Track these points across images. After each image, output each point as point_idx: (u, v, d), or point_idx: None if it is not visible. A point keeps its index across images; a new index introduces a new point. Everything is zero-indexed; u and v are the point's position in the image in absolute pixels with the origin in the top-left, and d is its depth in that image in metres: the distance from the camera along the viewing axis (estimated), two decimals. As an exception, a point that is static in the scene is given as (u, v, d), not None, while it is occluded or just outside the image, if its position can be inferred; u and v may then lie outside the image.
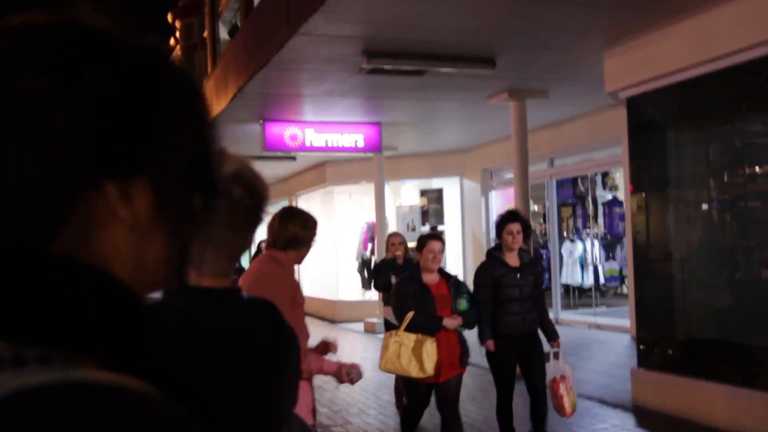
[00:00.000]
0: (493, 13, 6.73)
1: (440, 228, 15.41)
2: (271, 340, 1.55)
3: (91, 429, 0.53)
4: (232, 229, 1.54)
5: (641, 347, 7.68)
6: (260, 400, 1.49)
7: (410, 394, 5.82)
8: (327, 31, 7.04)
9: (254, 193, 1.58)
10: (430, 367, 5.25)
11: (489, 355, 5.76)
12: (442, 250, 5.50)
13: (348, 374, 3.77)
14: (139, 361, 0.65)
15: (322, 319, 17.14)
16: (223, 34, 16.51)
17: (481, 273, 5.87)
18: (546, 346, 5.88)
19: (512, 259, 5.78)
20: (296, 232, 3.70)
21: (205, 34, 16.71)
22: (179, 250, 0.77)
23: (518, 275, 5.73)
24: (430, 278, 5.48)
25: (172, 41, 22.93)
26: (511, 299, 5.68)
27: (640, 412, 7.19)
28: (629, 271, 9.65)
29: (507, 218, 5.86)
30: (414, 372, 5.28)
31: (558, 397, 5.66)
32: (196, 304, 1.51)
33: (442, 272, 5.60)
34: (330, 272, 17.64)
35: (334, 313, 16.37)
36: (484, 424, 7.03)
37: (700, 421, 6.67)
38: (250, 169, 1.60)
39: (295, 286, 3.70)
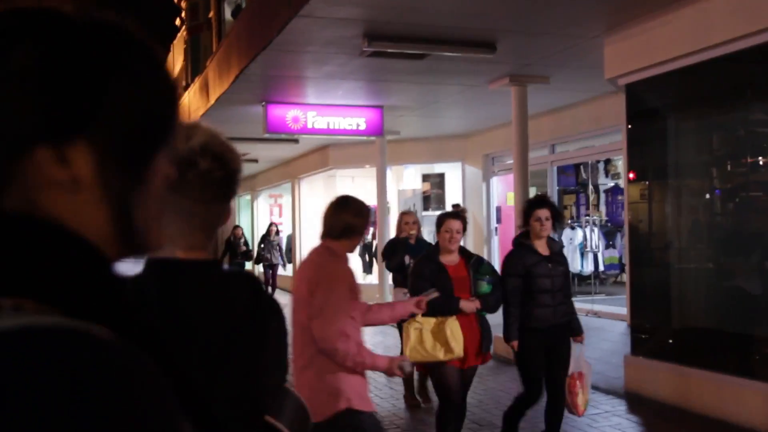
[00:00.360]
0: (492, -2, 6.73)
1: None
2: (250, 311, 1.54)
3: (57, 365, 0.60)
4: (202, 202, 1.53)
5: (635, 335, 7.72)
6: (238, 371, 1.48)
7: (439, 392, 5.27)
8: (327, 13, 7.05)
9: (225, 165, 1.56)
10: (457, 347, 4.89)
11: (518, 351, 5.41)
12: (462, 230, 5.17)
13: (400, 368, 3.75)
14: (105, 311, 0.71)
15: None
16: (228, 14, 16.48)
17: (511, 261, 5.46)
18: None
19: (542, 248, 5.41)
20: (350, 221, 3.69)
21: (211, 14, 16.66)
22: (123, 214, 0.79)
23: (549, 265, 5.37)
24: (449, 259, 5.18)
25: (177, 22, 22.89)
26: (542, 290, 5.31)
27: (632, 399, 7.25)
28: (627, 259, 9.67)
29: (534, 203, 5.51)
30: (441, 355, 4.93)
31: (573, 395, 5.42)
32: (172, 275, 1.51)
33: (463, 252, 5.31)
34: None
35: (334, 296, 16.42)
36: (477, 408, 7.08)
37: (689, 407, 6.72)
38: (220, 141, 1.58)
39: (351, 277, 3.69)
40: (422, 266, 5.19)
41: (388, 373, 3.78)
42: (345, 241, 3.71)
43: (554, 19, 7.26)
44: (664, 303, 7.51)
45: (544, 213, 5.35)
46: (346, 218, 3.69)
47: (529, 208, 5.49)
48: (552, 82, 9.73)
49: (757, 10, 6.08)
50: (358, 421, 3.64)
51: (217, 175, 1.54)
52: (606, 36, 7.73)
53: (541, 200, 5.57)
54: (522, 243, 5.48)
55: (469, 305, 5.02)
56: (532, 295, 5.31)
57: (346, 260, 3.74)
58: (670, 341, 7.40)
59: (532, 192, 13.49)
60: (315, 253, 3.82)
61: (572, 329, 5.54)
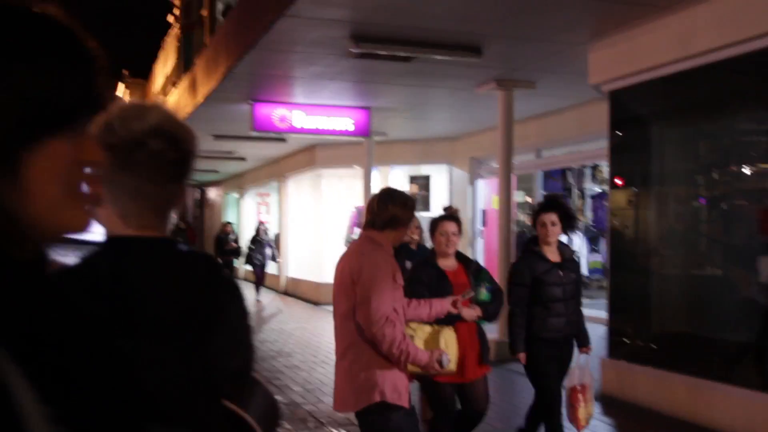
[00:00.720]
0: (479, 1, 6.78)
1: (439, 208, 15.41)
2: (205, 291, 1.51)
3: None
4: (155, 183, 1.50)
5: (613, 338, 7.79)
6: (191, 350, 1.44)
7: (434, 404, 5.02)
8: (314, 13, 7.09)
9: (179, 146, 1.52)
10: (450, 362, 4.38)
11: (529, 362, 5.10)
12: (458, 232, 4.93)
13: (439, 362, 3.79)
14: None
15: (306, 301, 17.25)
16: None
17: (518, 270, 5.17)
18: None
19: (552, 254, 5.12)
20: (396, 213, 3.75)
21: (204, 12, 16.66)
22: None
23: (560, 272, 5.08)
24: (447, 264, 4.93)
25: (171, 19, 22.87)
26: (555, 299, 5.03)
27: (608, 401, 7.31)
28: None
29: (541, 207, 5.23)
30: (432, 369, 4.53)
31: (574, 408, 5.15)
32: (123, 251, 1.48)
33: (461, 257, 5.06)
34: (315, 254, 17.71)
35: (318, 296, 16.46)
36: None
37: (665, 411, 6.79)
38: (174, 122, 1.54)
39: (395, 267, 3.73)
40: (420, 272, 4.90)
41: (428, 367, 3.80)
42: (389, 231, 3.77)
43: (541, 26, 7.33)
44: (643, 307, 7.59)
45: (549, 218, 5.09)
46: (393, 210, 3.74)
47: (535, 212, 5.27)
48: (538, 87, 9.79)
49: (742, 18, 6.14)
50: (387, 420, 3.64)
51: (171, 156, 1.51)
52: (591, 42, 7.80)
53: (549, 203, 5.27)
54: (531, 250, 5.20)
55: (470, 313, 4.69)
56: (544, 305, 5.04)
57: (389, 250, 3.79)
58: (648, 345, 7.48)
59: (519, 196, 13.58)
60: (357, 243, 3.89)
61: (579, 340, 5.30)
